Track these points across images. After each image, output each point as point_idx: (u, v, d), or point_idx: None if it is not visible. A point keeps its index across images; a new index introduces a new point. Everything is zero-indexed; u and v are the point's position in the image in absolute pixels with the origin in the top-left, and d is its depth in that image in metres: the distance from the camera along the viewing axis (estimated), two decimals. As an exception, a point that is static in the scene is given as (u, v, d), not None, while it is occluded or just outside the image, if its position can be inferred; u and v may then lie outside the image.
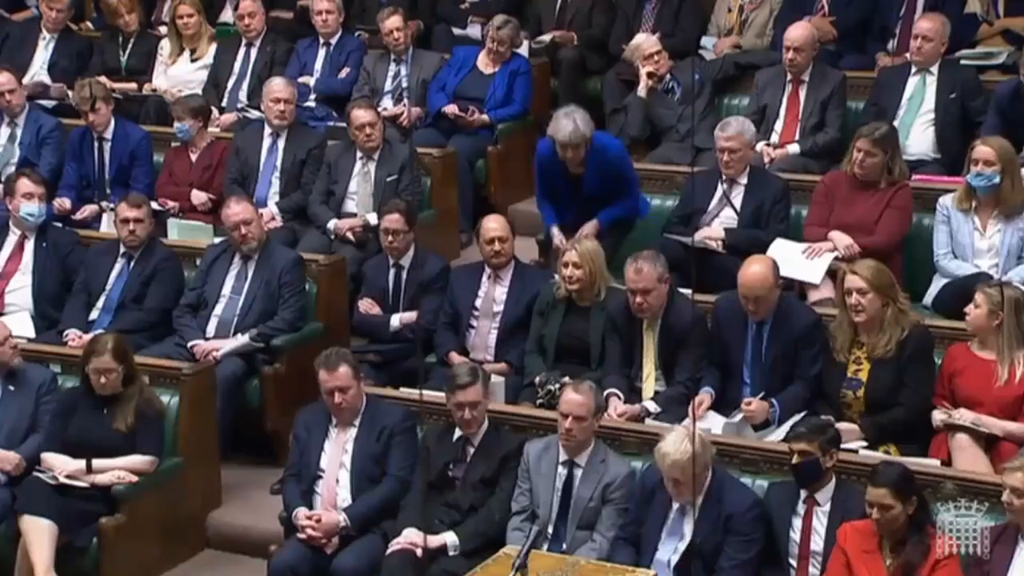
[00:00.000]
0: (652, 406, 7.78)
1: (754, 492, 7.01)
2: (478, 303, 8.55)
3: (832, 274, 8.37)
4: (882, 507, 6.40)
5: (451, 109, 10.50)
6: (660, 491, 6.87)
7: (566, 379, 7.70)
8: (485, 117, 10.52)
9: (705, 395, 7.74)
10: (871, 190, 8.59)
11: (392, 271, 8.90)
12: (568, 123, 8.65)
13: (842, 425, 7.25)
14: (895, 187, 8.59)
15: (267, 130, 10.04)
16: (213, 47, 11.26)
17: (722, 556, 6.75)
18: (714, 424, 7.67)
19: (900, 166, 8.70)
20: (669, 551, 6.82)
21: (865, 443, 7.32)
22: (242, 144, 10.11)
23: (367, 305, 8.88)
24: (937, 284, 8.35)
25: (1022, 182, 8.35)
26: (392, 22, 10.71)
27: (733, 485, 6.92)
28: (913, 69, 9.54)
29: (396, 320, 8.71)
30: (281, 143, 10.01)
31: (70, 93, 10.87)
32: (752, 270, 7.72)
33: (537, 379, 8.01)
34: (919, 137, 9.45)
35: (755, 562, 6.79)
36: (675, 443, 6.69)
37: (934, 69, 9.49)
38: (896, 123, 9.39)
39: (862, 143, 8.57)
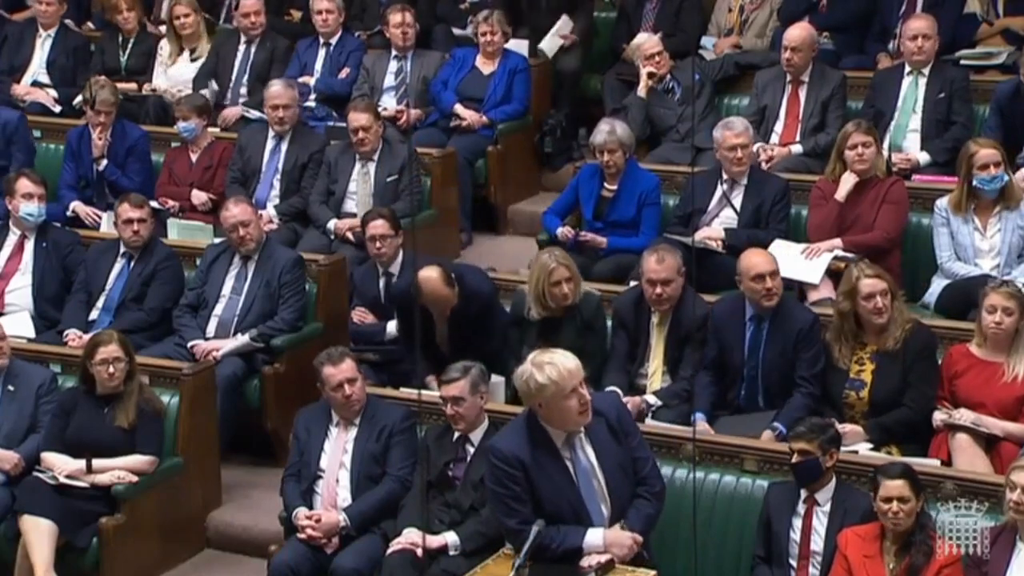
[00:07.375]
0: (652, 399, 7.80)
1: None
2: None
3: (831, 274, 8.38)
4: (902, 499, 6.37)
5: (460, 109, 10.46)
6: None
7: None
8: (484, 119, 10.52)
9: (701, 423, 7.60)
10: (866, 188, 8.60)
11: (382, 279, 8.86)
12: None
13: (846, 427, 7.25)
14: (889, 182, 8.63)
15: (271, 132, 10.02)
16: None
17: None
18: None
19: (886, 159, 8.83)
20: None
21: (870, 445, 7.32)
22: (245, 143, 10.10)
23: (360, 315, 8.86)
24: (937, 285, 8.35)
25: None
26: (399, 18, 10.66)
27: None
28: (907, 69, 9.53)
29: (392, 327, 8.67)
30: (284, 145, 9.98)
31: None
32: (752, 253, 7.83)
33: None
34: (916, 138, 9.43)
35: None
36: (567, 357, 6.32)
37: (926, 70, 9.47)
38: (893, 125, 9.40)
39: (856, 136, 8.59)
